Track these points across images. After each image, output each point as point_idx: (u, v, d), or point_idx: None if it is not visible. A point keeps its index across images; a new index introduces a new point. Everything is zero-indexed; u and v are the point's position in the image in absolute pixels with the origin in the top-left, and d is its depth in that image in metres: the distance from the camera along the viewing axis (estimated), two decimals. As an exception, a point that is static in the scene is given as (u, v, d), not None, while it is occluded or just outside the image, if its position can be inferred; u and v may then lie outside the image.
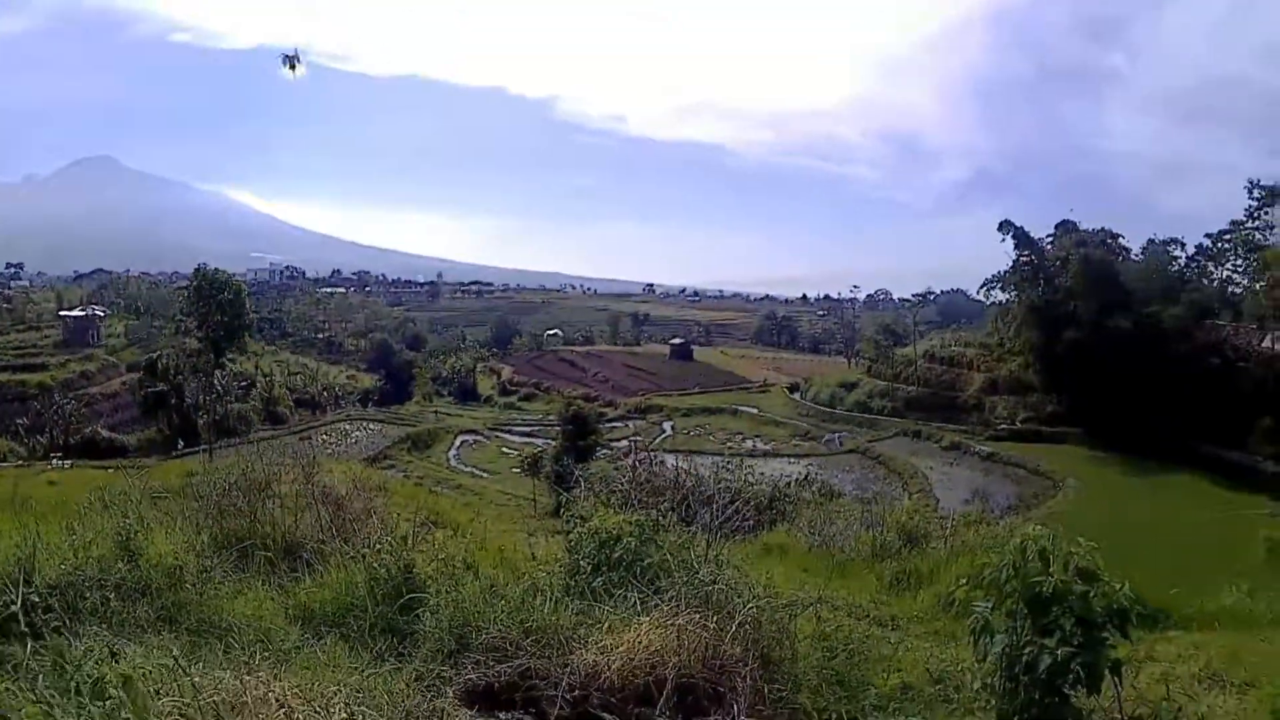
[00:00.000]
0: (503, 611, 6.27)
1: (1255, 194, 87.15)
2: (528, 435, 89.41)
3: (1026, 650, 4.96)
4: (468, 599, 6.51)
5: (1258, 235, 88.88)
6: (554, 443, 64.35)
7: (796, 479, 53.78)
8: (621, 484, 14.36)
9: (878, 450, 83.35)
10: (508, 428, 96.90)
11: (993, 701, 5.30)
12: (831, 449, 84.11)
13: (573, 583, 7.11)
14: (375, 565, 7.13)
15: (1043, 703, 4.99)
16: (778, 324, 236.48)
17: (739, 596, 6.26)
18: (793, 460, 77.20)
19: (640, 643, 5.59)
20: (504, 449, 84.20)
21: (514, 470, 70.56)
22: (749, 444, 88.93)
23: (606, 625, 5.97)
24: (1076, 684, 4.97)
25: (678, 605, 5.95)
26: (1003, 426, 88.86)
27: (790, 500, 30.00)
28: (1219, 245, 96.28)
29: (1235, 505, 60.08)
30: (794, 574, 14.08)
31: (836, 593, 12.96)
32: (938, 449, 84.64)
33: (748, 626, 5.89)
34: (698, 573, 6.71)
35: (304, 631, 6.62)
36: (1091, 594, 5.03)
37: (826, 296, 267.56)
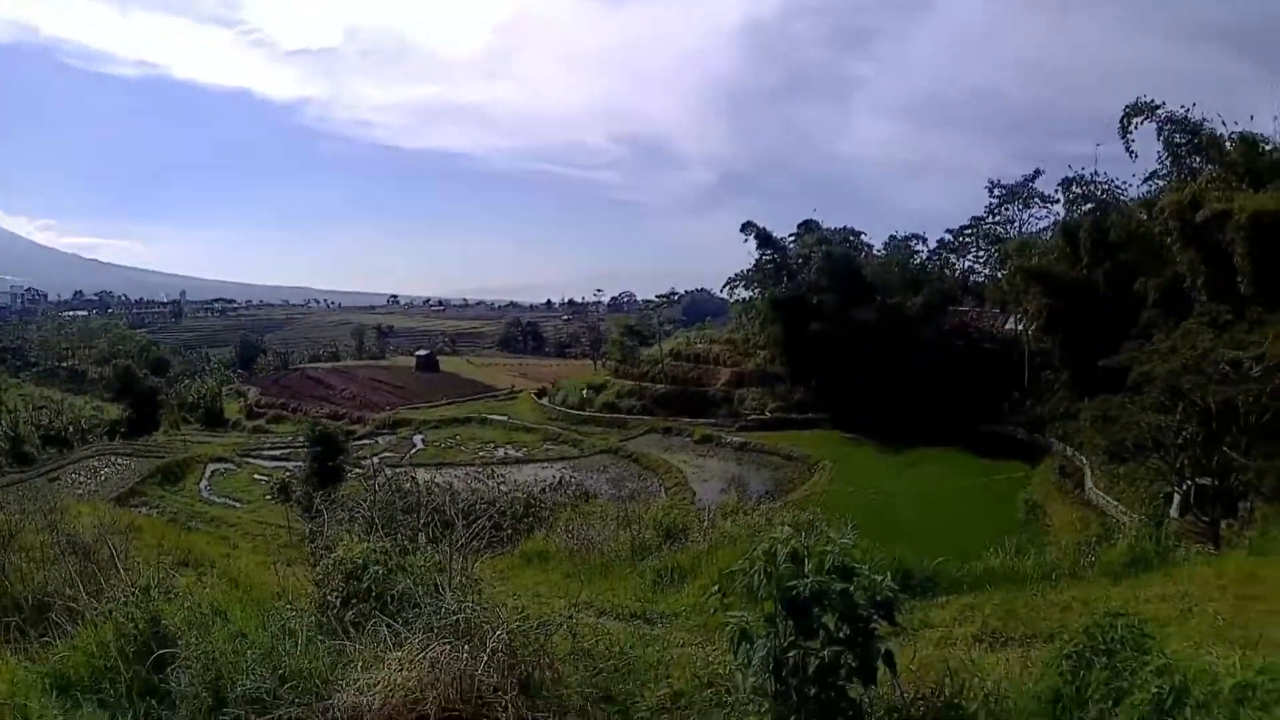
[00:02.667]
0: (254, 659, 6.22)
1: (996, 193, 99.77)
2: (279, 459, 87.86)
3: (792, 653, 5.14)
4: (219, 649, 6.41)
5: (998, 229, 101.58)
6: (303, 465, 62.48)
7: (550, 484, 55.14)
8: (369, 505, 14.43)
9: (630, 449, 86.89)
10: (257, 453, 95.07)
11: (766, 704, 5.43)
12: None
13: (324, 619, 7.08)
14: (122, 620, 6.93)
15: (819, 699, 5.20)
16: (523, 330, 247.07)
17: (489, 621, 6.25)
18: (546, 465, 79.79)
19: (395, 680, 5.57)
20: (256, 476, 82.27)
21: (266, 498, 69.56)
22: (501, 452, 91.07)
23: (361, 663, 5.96)
24: (851, 677, 5.23)
25: (429, 636, 5.98)
26: (752, 417, 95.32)
27: (546, 506, 30.27)
28: (960, 239, 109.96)
29: (993, 472, 65.62)
30: (558, 581, 14.88)
31: (602, 596, 13.58)
32: (690, 443, 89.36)
33: (501, 652, 5.89)
34: (445, 599, 6.71)
35: (62, 702, 6.36)
36: (852, 589, 5.24)
37: (571, 301, 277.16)
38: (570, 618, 7.52)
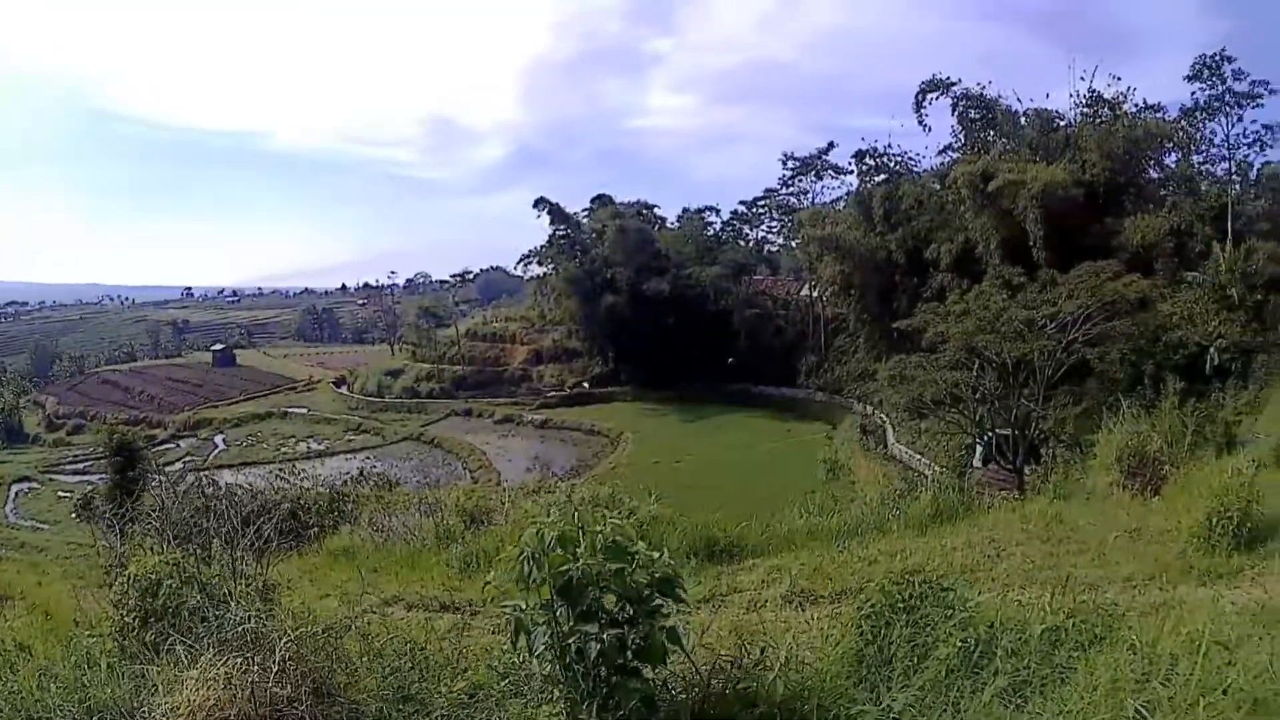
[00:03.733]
0: (59, 694, 6.01)
1: (790, 164, 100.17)
2: (82, 474, 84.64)
3: (573, 640, 5.04)
4: (24, 688, 6.20)
5: (791, 200, 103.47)
6: (106, 478, 59.05)
7: (353, 476, 53.82)
8: (166, 515, 13.45)
9: (432, 434, 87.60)
10: (60, 468, 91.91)
11: (558, 693, 5.33)
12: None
13: (126, 643, 6.93)
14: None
15: (610, 682, 5.09)
16: (319, 318, 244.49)
17: (277, 630, 6.05)
18: (349, 456, 79.92)
19: (195, 701, 5.37)
20: (60, 493, 79.55)
21: (72, 516, 66.37)
22: (303, 447, 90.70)
23: (162, 686, 5.72)
24: (639, 659, 5.14)
25: (222, 650, 5.75)
26: (552, 394, 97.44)
27: (350, 499, 29.59)
28: (754, 210, 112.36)
29: (795, 434, 67.52)
30: (366, 577, 13.85)
31: (410, 588, 13.25)
32: (491, 424, 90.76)
33: (292, 661, 5.72)
34: (232, 609, 6.53)
35: None
36: (627, 570, 5.11)
37: (366, 285, 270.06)
38: (359, 618, 7.43)
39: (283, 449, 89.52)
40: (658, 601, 5.21)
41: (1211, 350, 50.05)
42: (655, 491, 20.09)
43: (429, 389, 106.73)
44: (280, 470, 57.88)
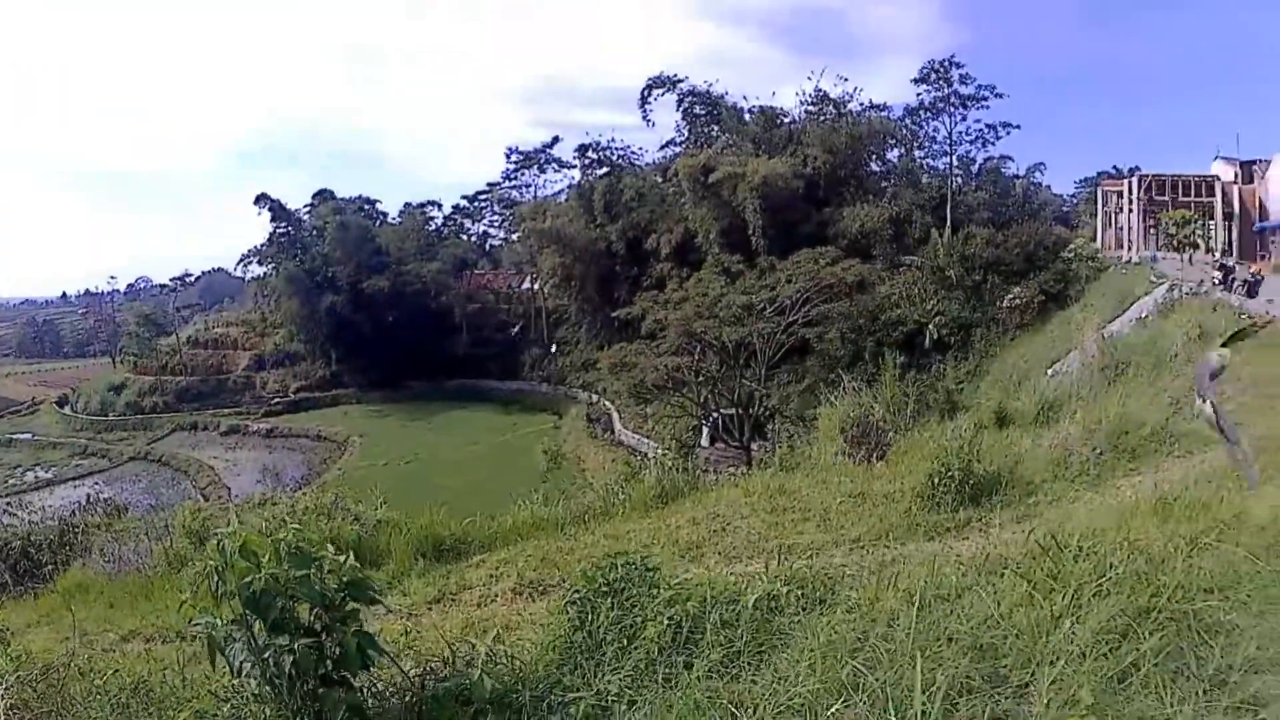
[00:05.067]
0: None
1: (513, 159, 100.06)
2: None
3: (268, 653, 4.90)
4: None
5: (514, 194, 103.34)
6: None
7: (81, 504, 50.31)
8: None
9: (160, 451, 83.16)
10: None
11: (269, 710, 5.17)
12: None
13: None
14: None
15: (317, 694, 4.98)
16: (39, 330, 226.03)
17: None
18: (76, 483, 74.15)
19: None
20: None
21: None
22: (31, 476, 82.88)
23: None
24: (341, 667, 5.03)
25: None
26: (277, 401, 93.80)
27: (78, 530, 27.78)
28: (476, 204, 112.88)
29: (521, 427, 67.72)
30: (103, 614, 13.96)
31: (148, 620, 12.67)
32: (218, 436, 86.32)
33: (18, 708, 5.68)
34: None
35: None
36: (314, 576, 4.99)
37: (87, 292, 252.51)
38: (74, 657, 7.28)
39: (9, 481, 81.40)
40: (352, 606, 5.11)
41: (930, 326, 52.57)
42: (383, 494, 20.75)
43: (153, 403, 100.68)
44: (8, 505, 54.37)
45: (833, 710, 4.57)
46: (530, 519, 16.61)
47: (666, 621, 5.88)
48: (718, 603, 6.07)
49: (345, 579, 5.07)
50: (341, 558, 5.14)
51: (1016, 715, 4.60)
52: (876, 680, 4.64)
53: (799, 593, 6.20)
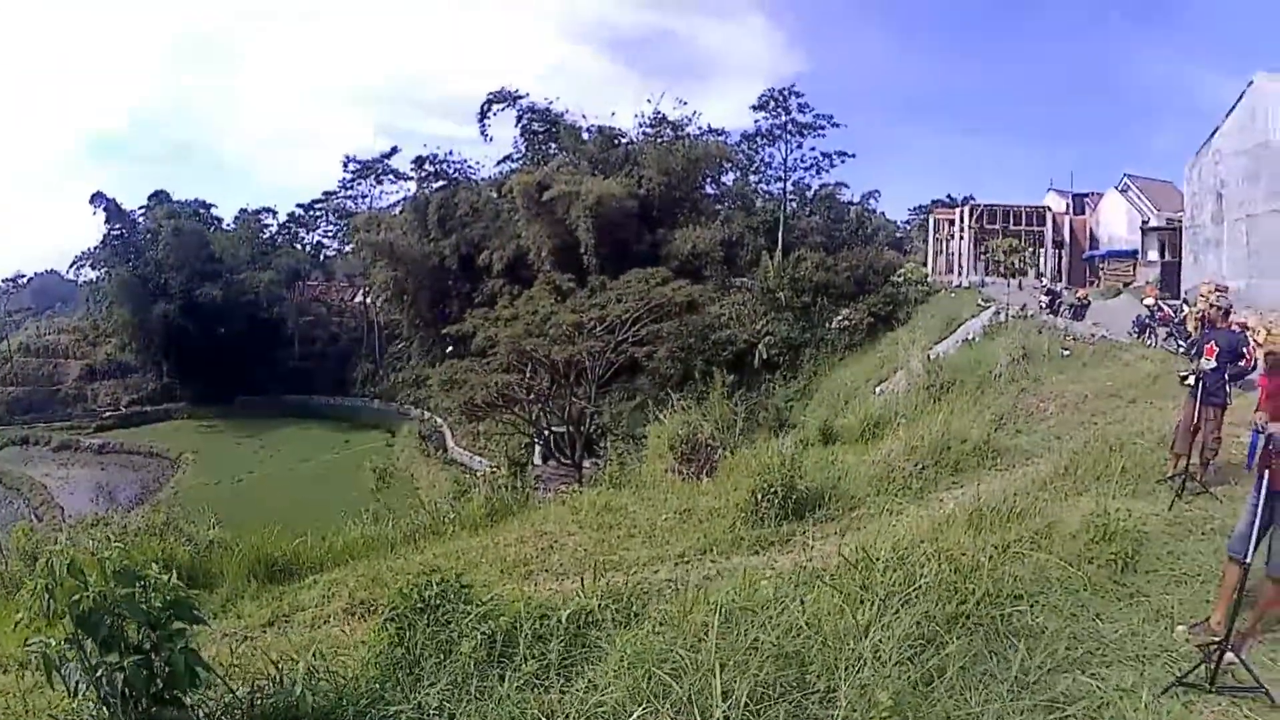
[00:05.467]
0: None
1: (350, 167, 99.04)
2: None
3: (100, 671, 4.88)
4: None
5: (349, 203, 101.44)
6: None
7: None
8: None
9: None
10: None
11: None
12: None
13: None
14: None
15: (149, 713, 4.98)
16: None
17: None
18: None
19: None
20: None
21: None
22: None
23: None
24: (171, 686, 5.04)
25: None
26: (109, 415, 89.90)
27: None
28: (311, 213, 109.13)
29: (354, 444, 66.68)
30: None
31: None
32: (50, 452, 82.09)
33: None
34: None
35: None
36: (138, 595, 5.01)
37: None
38: None
39: None
40: (177, 625, 5.13)
41: (760, 346, 53.52)
42: (216, 514, 20.49)
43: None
44: None
45: (635, 717, 4.66)
46: (361, 538, 16.54)
47: (481, 636, 6.10)
48: (532, 618, 6.26)
49: (170, 598, 5.08)
50: (166, 577, 5.15)
51: (820, 719, 4.71)
52: (680, 689, 4.75)
53: (615, 607, 6.42)
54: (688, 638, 5.43)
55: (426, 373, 67.44)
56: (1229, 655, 5.82)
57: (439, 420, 66.21)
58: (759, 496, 13.23)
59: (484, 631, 6.10)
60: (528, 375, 45.21)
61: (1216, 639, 6.00)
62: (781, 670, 4.98)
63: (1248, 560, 6.21)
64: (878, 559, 6.74)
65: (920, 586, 6.15)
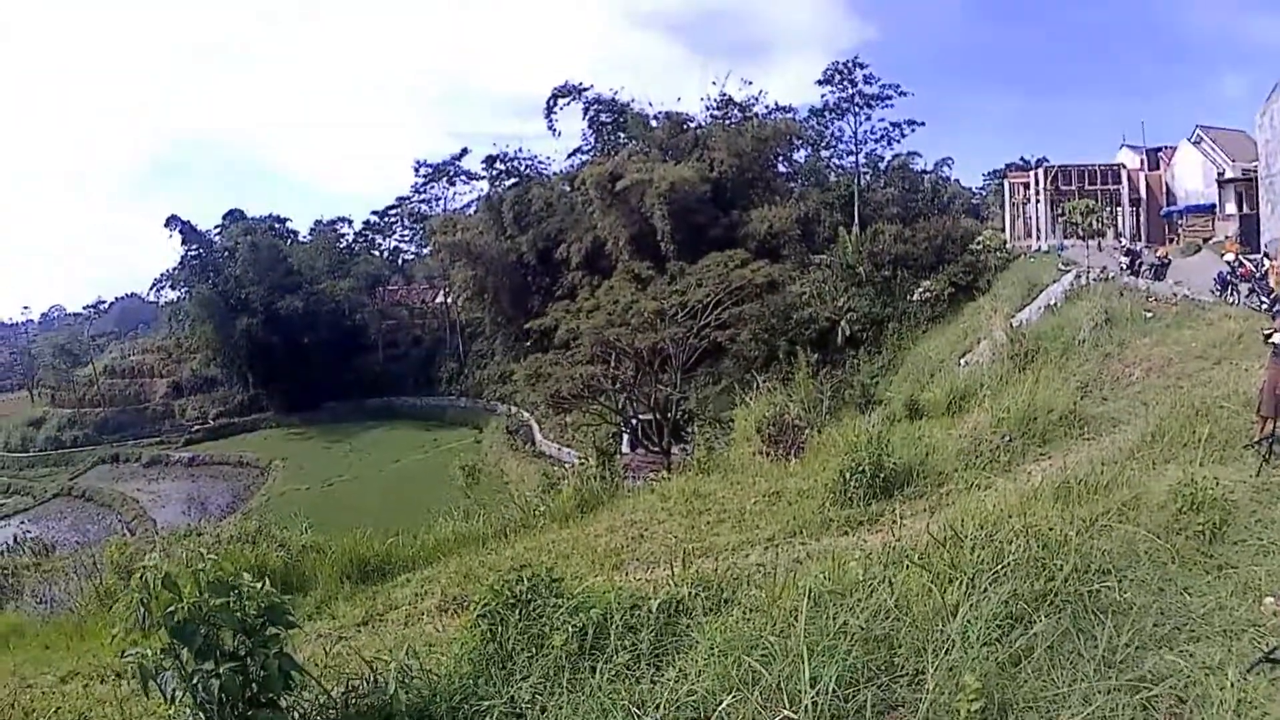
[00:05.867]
0: None
1: (422, 172, 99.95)
2: None
3: (196, 679, 4.94)
4: None
5: (423, 208, 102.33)
6: None
7: (8, 545, 49.07)
8: None
9: (83, 486, 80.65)
10: None
11: None
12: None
13: None
14: None
15: (245, 717, 5.03)
16: None
17: None
18: (1, 523, 70.91)
19: None
20: None
21: None
22: None
23: None
24: (266, 689, 5.11)
25: None
26: (197, 429, 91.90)
27: (7, 572, 27.53)
28: (386, 219, 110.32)
29: (442, 442, 67.28)
30: (39, 656, 13.66)
31: (85, 660, 12.25)
32: (140, 468, 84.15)
33: None
34: None
35: None
36: (232, 603, 5.08)
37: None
38: (15, 700, 8.18)
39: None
40: (272, 631, 5.18)
41: (842, 323, 53.05)
42: (308, 518, 20.89)
43: (73, 436, 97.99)
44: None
45: (725, 705, 4.66)
46: (452, 535, 16.64)
47: (572, 629, 6.04)
48: (622, 609, 6.22)
49: (263, 604, 5.12)
50: (259, 584, 5.18)
51: (908, 702, 4.70)
52: (769, 675, 4.75)
53: (705, 595, 6.38)
54: (776, 623, 5.42)
55: (511, 368, 67.67)
56: None
57: (526, 414, 66.43)
58: (847, 476, 13.17)
59: (575, 624, 6.10)
60: (612, 365, 45.31)
61: None
62: (870, 654, 5.00)
63: None
64: (965, 537, 6.70)
65: (1008, 564, 6.09)
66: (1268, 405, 11.22)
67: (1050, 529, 6.91)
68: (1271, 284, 25.36)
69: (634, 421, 45.61)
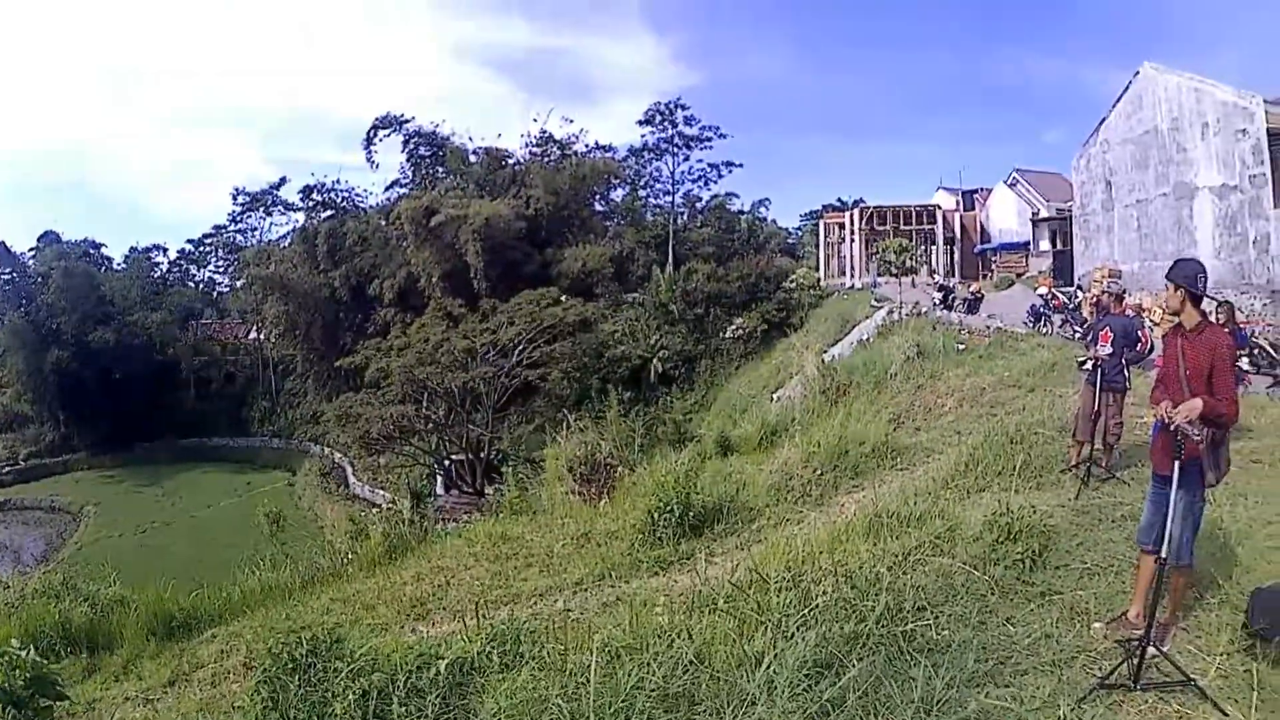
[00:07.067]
0: None
1: (240, 200, 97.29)
2: None
3: None
4: None
5: (239, 237, 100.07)
6: None
7: None
8: None
9: None
10: None
11: None
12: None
13: None
14: None
15: None
16: None
17: None
18: None
19: None
20: None
21: None
22: None
23: None
24: None
25: None
26: (7, 470, 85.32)
27: None
28: (200, 249, 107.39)
29: (255, 486, 65.17)
30: None
31: None
32: None
33: None
34: None
35: None
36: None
37: None
38: None
39: None
40: (44, 703, 5.00)
41: (655, 361, 53.53)
42: (118, 568, 19.65)
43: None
44: None
45: None
46: (259, 587, 16.13)
47: (353, 696, 5.74)
48: (408, 670, 5.88)
49: (30, 675, 4.94)
50: (24, 653, 5.00)
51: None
52: None
53: (500, 650, 6.07)
54: (567, 682, 5.11)
55: (322, 408, 66.20)
56: (1151, 649, 5.62)
57: (339, 456, 65.15)
58: (655, 515, 13.03)
59: (356, 690, 5.71)
60: (424, 405, 44.73)
61: (1137, 633, 5.82)
62: (668, 713, 4.74)
63: (1156, 550, 6.02)
64: (771, 578, 6.45)
65: (816, 606, 5.90)
66: (1083, 430, 11.76)
67: (860, 567, 6.74)
68: (1085, 314, 26.55)
69: (447, 462, 44.95)
